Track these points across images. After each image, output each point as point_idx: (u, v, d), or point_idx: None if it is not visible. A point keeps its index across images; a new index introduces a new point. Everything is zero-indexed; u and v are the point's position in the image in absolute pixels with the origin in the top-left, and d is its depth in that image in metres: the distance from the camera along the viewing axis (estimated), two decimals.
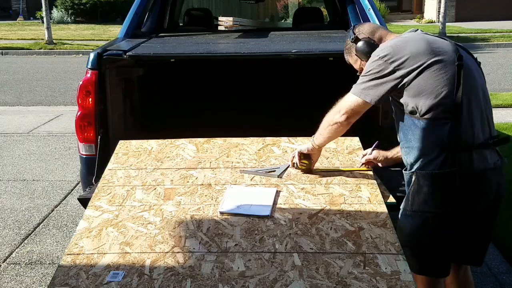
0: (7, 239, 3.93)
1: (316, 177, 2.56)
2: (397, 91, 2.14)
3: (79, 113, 3.09)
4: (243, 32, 4.53)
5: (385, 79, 2.13)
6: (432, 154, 2.10)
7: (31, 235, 3.99)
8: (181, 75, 4.47)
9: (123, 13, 12.59)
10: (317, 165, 2.66)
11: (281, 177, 2.56)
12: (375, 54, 2.18)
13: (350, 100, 2.24)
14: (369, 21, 3.58)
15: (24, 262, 3.58)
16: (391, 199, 2.45)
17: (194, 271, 1.90)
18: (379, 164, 2.58)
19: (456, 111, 2.06)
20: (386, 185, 2.60)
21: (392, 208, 2.34)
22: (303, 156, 2.55)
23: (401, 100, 2.15)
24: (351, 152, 2.80)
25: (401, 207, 2.26)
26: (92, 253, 2.03)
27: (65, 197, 4.75)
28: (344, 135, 2.93)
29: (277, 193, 2.41)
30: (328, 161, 2.72)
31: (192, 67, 4.47)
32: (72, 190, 4.91)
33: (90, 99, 3.04)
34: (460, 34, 18.09)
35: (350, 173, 2.59)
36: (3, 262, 3.59)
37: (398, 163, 2.45)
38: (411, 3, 26.00)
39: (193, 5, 13.36)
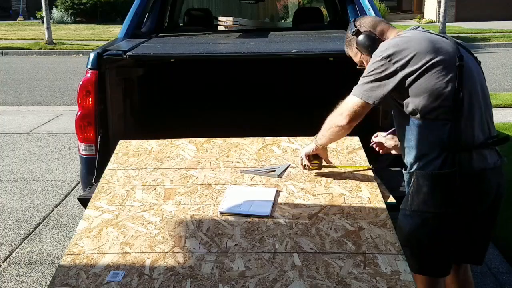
0: (7, 239, 3.93)
1: (316, 177, 2.57)
2: (398, 91, 2.13)
3: (79, 113, 3.09)
4: (243, 32, 4.53)
5: (387, 80, 2.12)
6: (432, 154, 2.10)
7: (31, 235, 3.99)
8: (181, 75, 4.47)
9: (123, 13, 12.59)
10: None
11: (281, 177, 2.56)
12: (377, 54, 2.15)
13: (352, 102, 2.22)
14: None
15: (24, 262, 3.58)
16: (391, 199, 2.45)
17: (194, 271, 1.90)
18: (390, 149, 2.53)
19: (457, 111, 2.06)
20: (386, 185, 2.60)
21: (392, 208, 2.34)
22: (312, 156, 2.55)
23: (401, 100, 2.15)
24: (351, 152, 2.80)
25: (401, 207, 2.25)
26: (92, 253, 2.03)
27: (65, 197, 4.75)
28: None
29: (277, 193, 2.41)
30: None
31: (192, 67, 4.47)
32: (72, 190, 4.91)
33: (90, 99, 3.04)
34: (460, 34, 18.09)
35: (350, 173, 2.59)
36: (3, 262, 3.59)
37: None
38: (411, 3, 26.01)
39: (193, 5, 13.36)
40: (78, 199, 2.92)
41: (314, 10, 5.96)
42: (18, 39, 18.48)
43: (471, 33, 18.56)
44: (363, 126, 2.83)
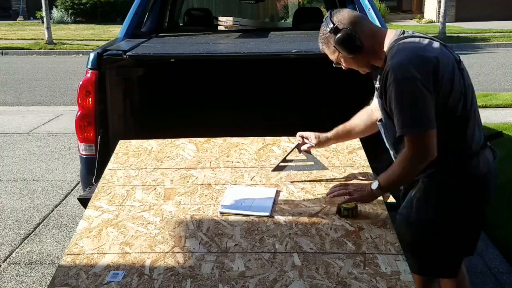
0: (7, 239, 3.93)
1: (316, 177, 2.57)
2: None
3: (79, 113, 3.09)
4: (243, 32, 4.53)
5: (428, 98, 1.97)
6: (441, 163, 2.05)
7: (31, 235, 3.99)
8: (181, 75, 4.47)
9: (123, 13, 12.58)
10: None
11: (326, 169, 2.57)
12: (401, 76, 1.97)
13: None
14: None
15: (24, 262, 3.58)
16: (391, 199, 2.45)
17: (194, 271, 1.90)
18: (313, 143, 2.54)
19: (466, 118, 2.05)
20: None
21: (392, 208, 2.33)
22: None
23: None
24: (351, 152, 2.80)
25: (402, 212, 2.22)
26: (92, 253, 2.03)
27: (65, 197, 4.75)
28: None
29: (277, 193, 2.41)
30: (328, 160, 2.72)
31: (192, 67, 4.47)
32: (72, 190, 4.91)
33: (90, 99, 3.04)
34: (460, 34, 18.10)
35: (350, 173, 2.59)
36: (3, 262, 3.59)
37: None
38: (411, 3, 26.01)
39: (193, 5, 13.36)
40: (78, 199, 2.92)
41: (314, 10, 5.96)
42: (18, 39, 18.49)
43: (471, 33, 18.56)
44: None
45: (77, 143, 3.17)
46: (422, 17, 24.41)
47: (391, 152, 2.29)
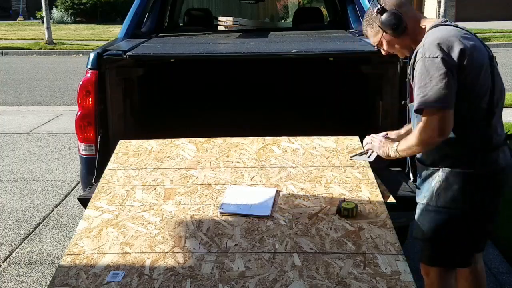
0: (7, 239, 3.93)
1: (316, 177, 2.56)
2: None
3: (79, 113, 3.09)
4: (243, 32, 4.53)
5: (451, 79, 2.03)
6: (464, 153, 2.12)
7: (31, 235, 3.99)
8: (181, 75, 4.47)
9: (123, 13, 12.58)
10: (317, 165, 2.67)
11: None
12: (428, 55, 2.04)
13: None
14: None
15: (24, 262, 3.58)
16: (391, 199, 2.45)
17: (194, 271, 1.90)
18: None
19: (491, 112, 2.10)
20: (386, 185, 2.60)
21: (392, 208, 2.34)
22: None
23: None
24: (351, 151, 2.80)
25: (422, 201, 2.25)
26: (92, 253, 2.03)
27: (65, 197, 4.75)
28: (344, 135, 2.94)
29: (277, 193, 2.41)
30: (328, 160, 2.72)
31: (192, 67, 4.46)
32: (72, 190, 4.91)
33: (90, 99, 3.04)
34: None
35: (350, 173, 2.59)
36: (3, 262, 3.59)
37: None
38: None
39: (193, 5, 13.35)
40: (78, 199, 2.92)
41: (314, 10, 5.96)
42: (18, 39, 18.49)
43: None
44: (363, 126, 2.83)
45: (77, 143, 3.17)
46: None
47: None
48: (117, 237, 2.12)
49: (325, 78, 4.27)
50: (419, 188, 2.29)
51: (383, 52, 2.34)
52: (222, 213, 2.26)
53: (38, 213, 4.39)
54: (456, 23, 2.23)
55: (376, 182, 2.51)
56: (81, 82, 3.05)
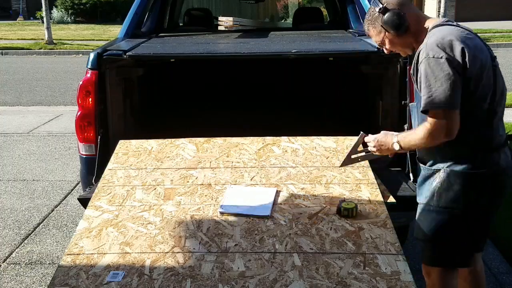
0: (7, 239, 3.92)
1: (316, 177, 2.56)
2: None
3: (79, 113, 3.09)
4: (243, 32, 4.53)
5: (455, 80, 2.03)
6: (466, 154, 2.12)
7: (31, 235, 3.99)
8: (181, 75, 4.47)
9: (123, 13, 12.58)
10: (317, 165, 2.67)
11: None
12: (431, 56, 2.04)
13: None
14: None
15: (24, 262, 3.58)
16: (391, 199, 2.45)
17: (194, 271, 1.90)
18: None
19: (493, 112, 2.11)
20: (386, 185, 2.60)
21: (392, 208, 2.34)
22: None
23: None
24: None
25: (423, 202, 2.26)
26: (92, 253, 2.03)
27: (65, 197, 4.75)
28: (344, 135, 2.94)
29: (277, 193, 2.41)
30: (328, 160, 2.72)
31: (192, 67, 4.47)
32: (72, 190, 4.91)
33: (90, 99, 3.04)
34: None
35: (350, 173, 2.59)
36: (3, 262, 3.59)
37: None
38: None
39: (193, 5, 13.35)
40: (78, 199, 2.92)
41: (314, 10, 5.96)
42: (18, 39, 18.49)
43: None
44: (363, 126, 2.82)
45: (77, 143, 3.17)
46: None
47: None
48: (117, 237, 2.12)
49: (325, 78, 4.27)
50: (419, 189, 2.29)
51: (385, 51, 2.34)
52: (222, 213, 2.26)
53: (38, 213, 4.39)
54: (458, 23, 2.24)
55: (376, 182, 2.51)
56: (81, 82, 3.05)
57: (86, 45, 16.50)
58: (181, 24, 5.92)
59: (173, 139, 2.97)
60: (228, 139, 2.95)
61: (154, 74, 4.04)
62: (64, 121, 7.60)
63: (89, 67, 3.04)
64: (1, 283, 3.31)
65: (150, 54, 3.23)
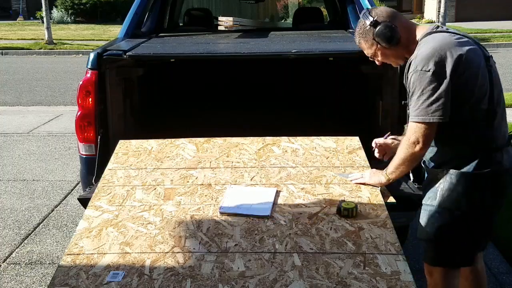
0: (7, 239, 3.93)
1: (316, 177, 2.56)
2: None
3: (79, 113, 3.09)
4: (243, 32, 4.53)
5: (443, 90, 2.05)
6: (468, 154, 2.13)
7: (31, 235, 3.99)
8: (181, 75, 4.47)
9: (123, 13, 12.57)
10: (317, 165, 2.67)
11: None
12: (420, 68, 2.06)
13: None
14: None
15: (24, 262, 3.58)
16: (391, 199, 2.45)
17: (194, 271, 1.90)
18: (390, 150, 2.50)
19: (492, 112, 2.11)
20: (386, 185, 2.60)
21: (392, 208, 2.34)
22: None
23: None
24: (351, 151, 2.80)
25: (426, 202, 2.27)
26: (92, 253, 2.03)
27: (65, 197, 4.75)
28: (344, 135, 2.94)
29: (277, 193, 2.41)
30: (328, 160, 2.72)
31: (192, 67, 4.47)
32: (72, 190, 4.91)
33: (90, 99, 3.04)
34: None
35: (350, 173, 2.59)
36: (3, 262, 3.59)
37: None
38: (411, 3, 26.00)
39: (193, 5, 13.35)
40: (78, 199, 2.92)
41: (314, 10, 5.96)
42: (18, 39, 18.49)
43: (471, 33, 18.50)
44: (363, 125, 2.83)
45: (77, 143, 3.17)
46: (422, 17, 24.40)
47: None
48: (117, 237, 2.12)
49: (325, 78, 4.27)
50: (424, 191, 2.31)
51: (377, 63, 2.36)
52: (222, 213, 2.26)
53: (38, 213, 4.39)
54: (447, 27, 2.25)
55: None
56: (81, 82, 3.05)
57: (86, 45, 16.50)
58: (181, 24, 5.93)
59: (173, 139, 2.97)
60: (228, 139, 2.95)
61: (154, 74, 4.04)
62: (64, 121, 7.60)
63: (89, 67, 3.04)
64: (1, 283, 3.32)
65: (150, 54, 3.23)
